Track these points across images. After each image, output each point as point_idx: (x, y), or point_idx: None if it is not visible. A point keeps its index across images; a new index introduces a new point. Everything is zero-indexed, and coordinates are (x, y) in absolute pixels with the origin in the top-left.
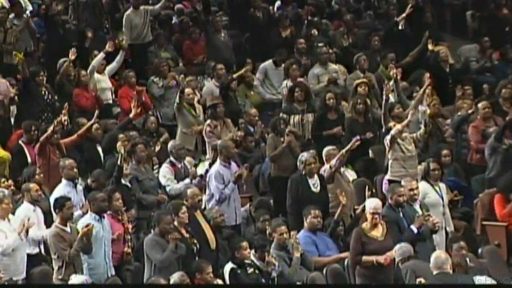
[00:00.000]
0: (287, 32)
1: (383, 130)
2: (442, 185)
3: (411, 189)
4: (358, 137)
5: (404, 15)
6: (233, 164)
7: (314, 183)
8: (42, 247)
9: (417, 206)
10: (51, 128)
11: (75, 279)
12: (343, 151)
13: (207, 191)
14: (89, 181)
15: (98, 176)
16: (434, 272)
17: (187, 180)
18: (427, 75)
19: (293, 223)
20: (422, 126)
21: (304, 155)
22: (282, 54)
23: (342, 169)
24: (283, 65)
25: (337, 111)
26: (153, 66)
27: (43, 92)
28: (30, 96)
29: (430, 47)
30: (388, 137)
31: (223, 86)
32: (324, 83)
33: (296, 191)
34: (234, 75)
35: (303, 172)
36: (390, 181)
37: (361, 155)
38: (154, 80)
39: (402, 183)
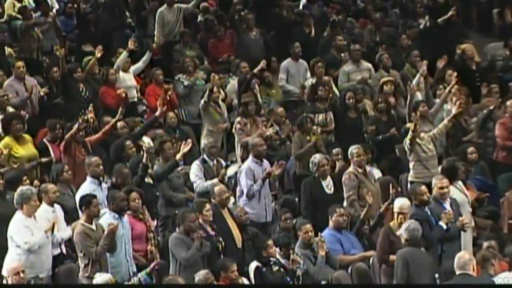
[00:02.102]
0: (310, 30)
1: (402, 130)
2: (460, 182)
3: (441, 187)
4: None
5: (445, 17)
6: (266, 162)
7: (328, 185)
8: (63, 247)
9: (447, 204)
10: (76, 126)
11: (99, 277)
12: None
13: (238, 187)
14: (113, 179)
15: (120, 171)
16: (457, 272)
17: (216, 180)
18: (454, 73)
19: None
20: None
21: (316, 157)
22: (295, 46)
23: (367, 168)
24: (300, 60)
25: (357, 109)
26: (179, 64)
27: (80, 89)
28: (68, 92)
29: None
30: (407, 141)
31: (242, 83)
32: (354, 82)
33: (310, 193)
34: (254, 70)
35: (316, 174)
36: (412, 183)
37: (387, 153)
38: (179, 78)
39: (433, 181)
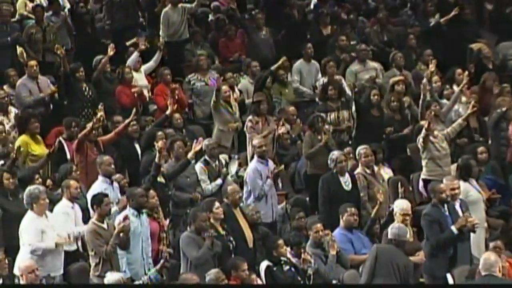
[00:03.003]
0: (328, 29)
1: (416, 128)
2: (474, 181)
3: (453, 188)
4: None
5: (448, 17)
6: (270, 162)
7: (346, 181)
8: (80, 243)
9: (457, 205)
10: (89, 125)
11: (110, 276)
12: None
13: (245, 188)
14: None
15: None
16: (483, 274)
17: (219, 181)
18: (465, 73)
19: (325, 222)
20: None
21: (335, 153)
22: (308, 47)
23: (376, 168)
24: (312, 60)
25: (380, 108)
26: (191, 63)
27: (83, 88)
28: (71, 92)
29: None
30: (420, 139)
31: (260, 81)
32: (363, 81)
33: (328, 189)
34: (272, 68)
35: (334, 171)
36: (425, 180)
37: (398, 153)
38: (190, 80)
39: (444, 181)
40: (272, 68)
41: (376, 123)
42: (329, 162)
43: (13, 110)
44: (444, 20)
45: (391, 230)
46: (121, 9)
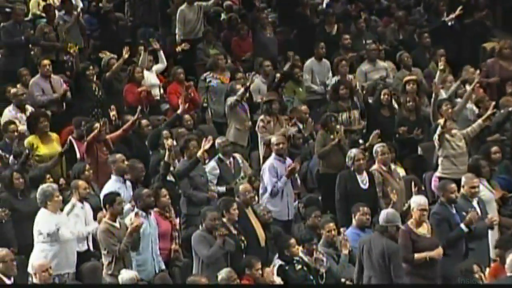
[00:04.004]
0: (333, 28)
1: (433, 126)
2: (485, 181)
3: (473, 187)
4: (378, 131)
5: (453, 15)
6: (288, 160)
7: (363, 180)
8: (90, 244)
9: (474, 202)
10: (97, 126)
11: (125, 274)
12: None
13: (261, 185)
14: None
15: (132, 166)
16: (508, 274)
17: (223, 189)
18: (477, 72)
19: (341, 219)
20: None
21: (353, 151)
22: (320, 46)
23: (392, 166)
24: (324, 59)
25: (391, 108)
26: (203, 62)
27: (93, 88)
28: (81, 91)
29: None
30: (436, 136)
31: (275, 82)
32: (371, 81)
33: (345, 187)
34: (285, 68)
35: (352, 168)
36: (440, 178)
37: (410, 152)
38: (206, 77)
39: (463, 179)
40: (285, 68)
41: (387, 123)
42: (347, 160)
43: (29, 109)
44: (449, 19)
45: (381, 216)
46: (144, 5)
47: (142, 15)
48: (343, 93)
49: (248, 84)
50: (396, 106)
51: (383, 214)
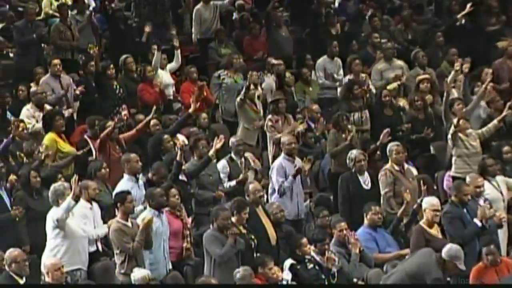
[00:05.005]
0: (336, 28)
1: (446, 126)
2: (500, 178)
3: (477, 186)
4: (388, 130)
5: (464, 12)
6: (298, 159)
7: (365, 181)
8: (99, 245)
9: (481, 201)
10: (111, 124)
11: (137, 272)
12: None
13: (270, 185)
14: (149, 174)
15: (158, 169)
16: None
17: (233, 183)
18: (489, 71)
19: (345, 221)
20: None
21: (353, 153)
22: (334, 45)
23: (405, 166)
24: (335, 58)
25: (392, 107)
26: (215, 61)
27: (114, 86)
28: (102, 90)
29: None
30: (449, 135)
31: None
32: (386, 81)
33: (347, 189)
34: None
35: (353, 170)
36: (454, 178)
37: (422, 152)
38: (220, 74)
39: (467, 179)
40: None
41: (389, 123)
42: (348, 161)
43: (48, 108)
44: (460, 17)
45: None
46: (149, 6)
47: (148, 15)
48: (357, 93)
49: (247, 83)
50: (400, 104)
51: (448, 248)
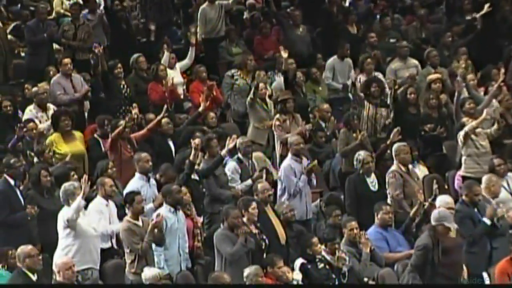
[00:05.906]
0: (354, 28)
1: (457, 125)
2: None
3: (493, 185)
4: (398, 128)
5: (482, 12)
6: (305, 160)
7: (372, 182)
8: (114, 241)
9: (493, 201)
10: (122, 123)
11: (148, 271)
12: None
13: (279, 186)
14: (157, 176)
15: (165, 170)
16: None
17: (249, 181)
18: (502, 70)
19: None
20: (496, 124)
21: (361, 154)
22: (346, 48)
23: (410, 166)
24: (345, 58)
25: (417, 106)
26: (226, 61)
27: (121, 86)
28: (109, 89)
29: None
30: (462, 134)
31: (295, 79)
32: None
33: (354, 190)
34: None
35: (361, 171)
36: (463, 177)
37: (434, 151)
38: (235, 73)
39: (483, 179)
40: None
41: (413, 121)
42: (355, 163)
43: (52, 107)
44: (479, 16)
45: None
46: (154, 6)
47: (153, 16)
48: (374, 91)
49: (256, 83)
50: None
51: (433, 214)
